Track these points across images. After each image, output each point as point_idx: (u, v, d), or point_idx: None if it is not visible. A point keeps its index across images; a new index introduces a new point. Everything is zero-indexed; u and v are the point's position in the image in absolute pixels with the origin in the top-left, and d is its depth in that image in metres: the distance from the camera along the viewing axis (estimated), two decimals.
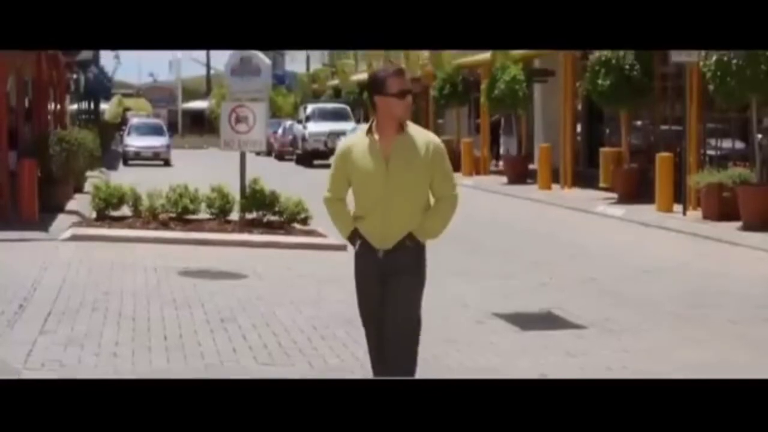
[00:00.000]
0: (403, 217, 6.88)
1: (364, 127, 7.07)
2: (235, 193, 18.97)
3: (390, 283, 6.92)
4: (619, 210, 24.09)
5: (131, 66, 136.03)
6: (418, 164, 6.83)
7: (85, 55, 33.54)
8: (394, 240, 6.89)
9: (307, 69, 79.33)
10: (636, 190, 25.57)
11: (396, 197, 6.84)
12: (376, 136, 6.89)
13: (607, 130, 32.90)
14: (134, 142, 49.59)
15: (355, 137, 7.09)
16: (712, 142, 26.12)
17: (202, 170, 33.99)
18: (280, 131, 54.81)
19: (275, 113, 64.44)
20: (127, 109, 77.25)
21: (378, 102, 6.87)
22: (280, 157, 53.19)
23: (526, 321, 11.90)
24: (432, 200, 6.99)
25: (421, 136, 6.92)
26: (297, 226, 18.54)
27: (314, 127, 47.31)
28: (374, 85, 6.89)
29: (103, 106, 67.57)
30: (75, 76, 41.74)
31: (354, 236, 7.00)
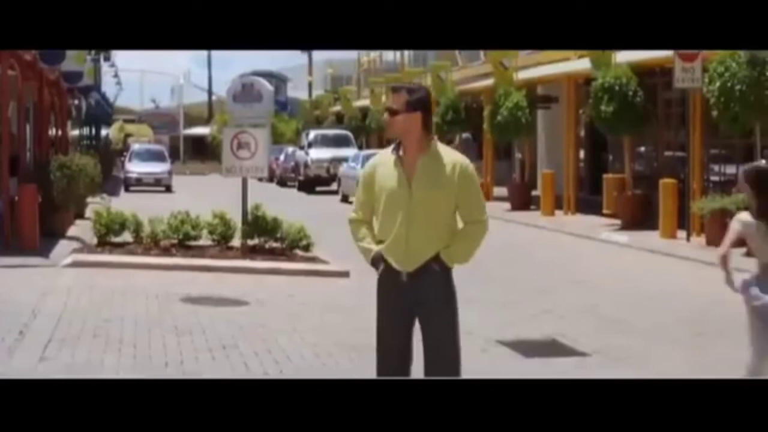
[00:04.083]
0: (426, 238, 6.68)
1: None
2: (237, 220, 18.90)
3: (422, 317, 6.74)
4: (623, 236, 24.01)
5: (133, 92, 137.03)
6: (442, 184, 6.67)
7: (87, 81, 33.47)
8: (417, 262, 6.68)
9: (310, 95, 79.51)
10: (639, 216, 25.49)
11: (419, 217, 6.65)
12: (401, 154, 6.78)
13: (611, 157, 32.87)
14: (135, 168, 49.33)
15: (381, 156, 6.95)
16: (716, 167, 26.10)
17: (204, 196, 33.97)
18: (282, 157, 54.77)
19: (277, 139, 64.48)
20: (128, 135, 77.33)
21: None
22: (282, 183, 53.18)
23: (529, 348, 11.82)
24: (460, 225, 6.82)
25: (448, 156, 6.76)
26: (299, 252, 18.42)
27: (316, 154, 47.20)
28: None
29: (105, 131, 67.57)
30: (76, 102, 41.64)
31: (377, 260, 6.78)
